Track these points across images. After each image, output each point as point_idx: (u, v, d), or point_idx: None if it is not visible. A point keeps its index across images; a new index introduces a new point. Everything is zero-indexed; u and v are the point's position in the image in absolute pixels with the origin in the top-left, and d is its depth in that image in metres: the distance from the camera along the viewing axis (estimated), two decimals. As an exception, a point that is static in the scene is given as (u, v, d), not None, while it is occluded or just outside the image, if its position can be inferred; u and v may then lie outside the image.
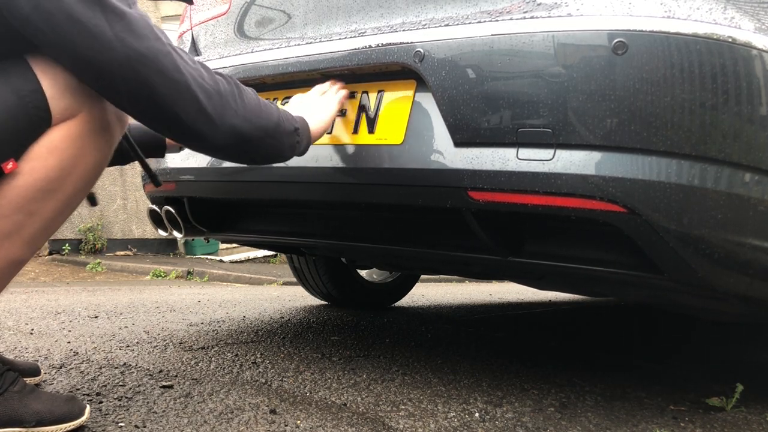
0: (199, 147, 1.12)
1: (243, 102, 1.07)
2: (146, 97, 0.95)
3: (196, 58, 1.19)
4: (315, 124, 1.26)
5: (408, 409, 1.33)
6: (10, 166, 0.92)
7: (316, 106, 1.29)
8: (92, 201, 1.19)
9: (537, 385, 1.58)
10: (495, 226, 1.25)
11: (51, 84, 0.94)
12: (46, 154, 0.95)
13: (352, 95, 1.36)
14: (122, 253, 7.42)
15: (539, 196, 1.10)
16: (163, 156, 1.46)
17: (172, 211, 1.71)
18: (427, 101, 1.23)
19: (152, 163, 1.74)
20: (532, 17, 1.12)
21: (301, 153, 1.25)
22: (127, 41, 0.90)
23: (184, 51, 1.01)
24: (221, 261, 7.52)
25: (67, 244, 6.86)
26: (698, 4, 1.07)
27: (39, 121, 0.93)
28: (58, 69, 0.94)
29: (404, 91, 1.28)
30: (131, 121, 1.08)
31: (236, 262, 7.70)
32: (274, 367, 1.59)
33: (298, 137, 1.19)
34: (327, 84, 1.35)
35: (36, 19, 0.87)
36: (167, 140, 1.40)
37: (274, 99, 1.51)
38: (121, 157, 1.24)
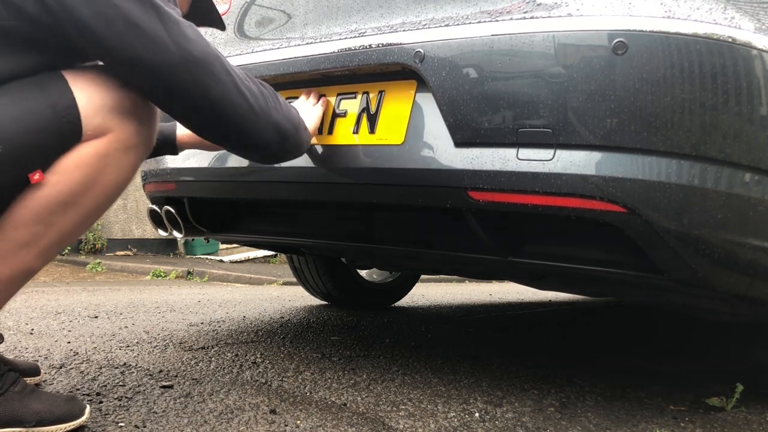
0: (245, 146, 1.16)
1: (278, 101, 1.14)
2: (200, 98, 0.99)
3: None
4: (309, 126, 1.32)
5: (408, 409, 1.33)
6: (36, 177, 0.94)
7: (303, 112, 1.32)
8: None
9: (537, 385, 1.58)
10: (495, 226, 1.25)
11: (86, 102, 0.96)
12: (73, 168, 0.97)
13: (352, 95, 1.36)
14: (122, 253, 7.43)
15: (539, 196, 1.10)
16: (176, 154, 1.46)
17: (172, 211, 1.71)
18: (428, 101, 1.23)
19: (152, 163, 1.74)
20: (532, 17, 1.12)
21: (306, 150, 1.31)
22: (182, 45, 0.95)
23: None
24: (221, 261, 7.52)
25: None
26: (698, 4, 1.07)
27: (70, 136, 0.96)
28: (93, 87, 0.97)
29: (405, 91, 1.27)
30: None
31: (236, 262, 7.70)
32: (274, 367, 1.59)
33: (307, 133, 1.27)
34: (303, 97, 1.41)
35: (95, 24, 0.90)
36: (178, 138, 1.40)
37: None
38: None
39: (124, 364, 1.54)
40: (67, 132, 0.95)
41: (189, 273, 6.11)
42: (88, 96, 0.96)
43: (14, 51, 0.94)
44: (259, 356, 1.70)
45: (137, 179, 1.76)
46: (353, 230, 1.60)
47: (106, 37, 0.91)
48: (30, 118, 0.92)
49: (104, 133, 0.98)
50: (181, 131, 1.40)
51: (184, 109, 1.03)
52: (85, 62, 1.06)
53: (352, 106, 1.35)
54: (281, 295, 3.47)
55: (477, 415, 1.32)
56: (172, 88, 0.97)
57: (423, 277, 4.83)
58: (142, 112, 1.02)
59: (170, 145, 1.42)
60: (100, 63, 1.02)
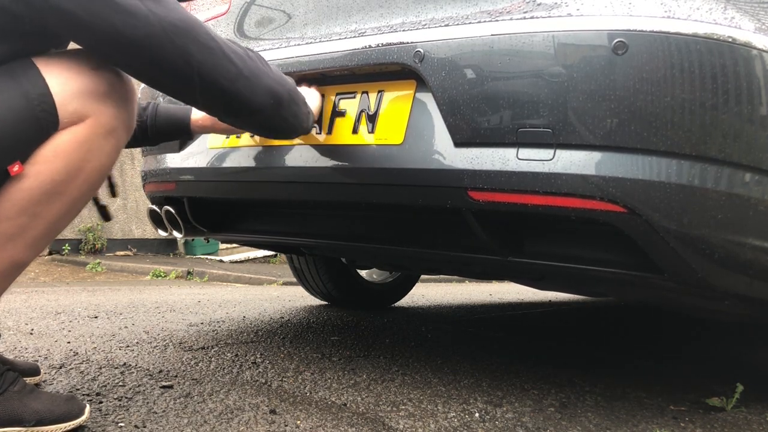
0: (239, 112, 1.12)
1: (267, 65, 1.12)
2: (186, 67, 0.97)
3: None
4: (311, 104, 1.30)
5: (408, 409, 1.33)
6: (16, 168, 0.93)
7: (303, 92, 1.31)
8: (105, 216, 1.19)
9: (537, 385, 1.58)
10: (495, 226, 1.24)
11: (60, 88, 0.94)
12: (53, 157, 0.95)
13: (352, 95, 1.36)
14: (122, 253, 7.42)
15: (539, 196, 1.10)
16: (191, 138, 1.44)
17: (172, 211, 1.71)
18: (427, 101, 1.23)
19: (152, 163, 1.74)
20: (532, 17, 1.12)
21: (309, 129, 1.29)
22: (160, 14, 0.93)
23: None
24: (221, 261, 7.52)
25: (67, 244, 6.86)
26: (698, 4, 1.07)
27: (47, 124, 0.94)
28: (66, 72, 0.95)
29: (404, 91, 1.27)
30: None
31: (236, 262, 7.70)
32: (274, 367, 1.59)
33: (307, 108, 1.24)
34: (304, 86, 1.39)
35: (71, 6, 0.88)
36: (192, 123, 1.39)
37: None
38: (133, 140, 1.24)
39: (124, 364, 1.54)
40: (43, 120, 0.93)
41: (189, 273, 6.11)
42: (62, 82, 0.95)
43: None
44: (259, 356, 1.70)
45: (137, 179, 1.75)
46: (353, 230, 1.60)
47: (81, 17, 0.89)
48: (2, 110, 0.90)
49: (82, 118, 0.96)
50: (195, 115, 1.39)
51: (173, 81, 1.00)
52: (58, 48, 1.04)
53: (351, 106, 1.35)
54: (281, 295, 3.47)
55: (477, 415, 1.32)
56: (157, 61, 0.95)
57: (423, 277, 4.83)
58: (120, 95, 1.00)
59: (185, 130, 1.40)
60: (73, 48, 1.00)
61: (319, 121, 1.38)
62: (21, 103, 0.91)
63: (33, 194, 0.95)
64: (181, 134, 1.41)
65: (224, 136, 1.53)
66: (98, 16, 0.89)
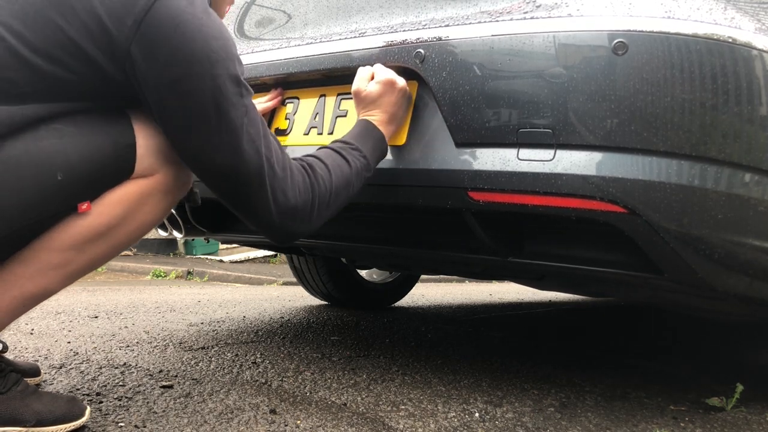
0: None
1: (331, 186, 1.12)
2: (241, 196, 1.05)
3: None
4: (389, 132, 1.24)
5: (408, 409, 1.33)
6: (85, 207, 0.97)
7: (386, 105, 1.23)
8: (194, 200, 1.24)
9: (537, 385, 1.58)
10: (495, 226, 1.25)
11: (144, 143, 1.00)
12: (116, 203, 1.00)
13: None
14: (122, 253, 7.42)
15: (539, 197, 1.10)
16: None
17: (172, 211, 1.71)
18: (428, 102, 1.23)
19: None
20: (532, 18, 1.12)
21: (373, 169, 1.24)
22: (267, 157, 1.01)
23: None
24: (221, 261, 7.52)
25: (66, 244, 6.86)
26: (698, 5, 1.07)
27: (123, 173, 0.99)
28: (151, 129, 1.01)
29: (404, 91, 1.27)
30: None
31: (236, 262, 7.70)
32: (274, 367, 1.59)
33: (368, 167, 1.20)
34: (374, 69, 1.25)
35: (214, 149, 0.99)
36: None
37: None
38: None
39: (124, 364, 1.54)
40: (122, 169, 0.99)
41: (189, 273, 6.11)
42: (146, 137, 1.00)
43: (99, 98, 0.98)
44: (259, 356, 1.70)
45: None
46: (353, 230, 1.60)
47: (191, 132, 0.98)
48: (92, 151, 0.95)
49: (151, 174, 1.02)
50: None
51: (222, 195, 1.08)
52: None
53: (352, 106, 1.35)
54: (281, 295, 3.47)
55: (477, 415, 1.32)
56: (217, 181, 1.04)
57: (423, 277, 4.83)
58: None
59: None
60: None
61: (321, 121, 1.38)
62: (109, 149, 0.96)
63: (89, 232, 0.99)
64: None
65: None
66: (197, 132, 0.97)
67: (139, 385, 1.35)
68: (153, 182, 1.02)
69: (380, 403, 1.36)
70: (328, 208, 1.12)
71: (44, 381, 1.35)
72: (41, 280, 0.99)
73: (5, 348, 1.25)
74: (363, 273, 2.75)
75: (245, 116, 0.98)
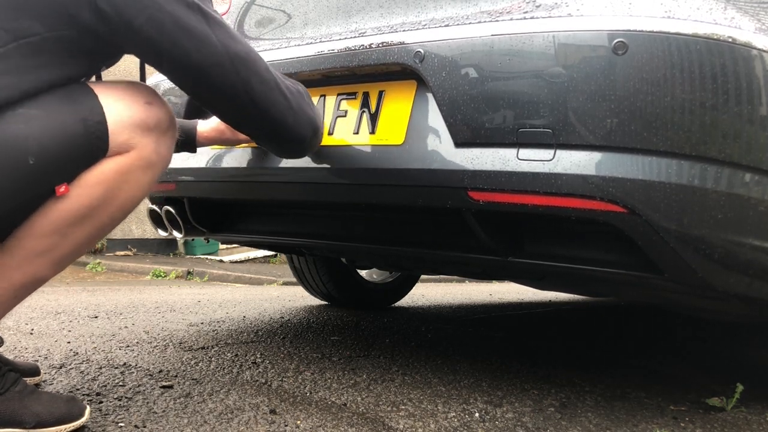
0: (281, 141, 1.20)
1: (310, 98, 1.20)
2: (244, 94, 1.04)
3: None
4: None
5: (408, 409, 1.33)
6: (62, 189, 0.96)
7: None
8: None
9: (537, 385, 1.58)
10: (495, 226, 1.24)
11: (114, 118, 0.98)
12: (95, 183, 0.98)
13: (353, 96, 1.36)
14: (122, 253, 7.42)
15: (539, 197, 1.10)
16: (195, 151, 1.46)
17: (172, 211, 1.71)
18: (428, 101, 1.23)
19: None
20: (532, 17, 1.12)
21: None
22: (229, 45, 1.00)
23: None
24: (221, 261, 7.52)
25: (67, 244, 6.85)
26: (698, 4, 1.07)
27: (97, 151, 0.98)
28: (121, 103, 0.99)
29: (405, 91, 1.27)
30: None
31: (236, 262, 7.70)
32: (274, 367, 1.59)
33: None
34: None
35: (149, 29, 0.94)
36: (198, 135, 1.42)
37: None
38: None
39: (124, 364, 1.54)
40: (96, 147, 0.97)
41: (189, 273, 6.11)
42: (117, 112, 0.98)
43: (57, 62, 0.96)
44: (259, 356, 1.70)
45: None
46: (353, 230, 1.60)
47: (159, 42, 0.95)
48: (61, 132, 0.93)
49: (127, 149, 1.00)
50: (202, 128, 1.41)
51: (229, 107, 1.07)
52: (109, 67, 1.11)
53: (352, 106, 1.35)
54: (281, 295, 3.47)
55: (477, 415, 1.32)
56: (220, 87, 1.02)
57: (423, 277, 4.83)
58: (163, 130, 1.04)
59: (191, 143, 1.42)
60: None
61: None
62: (79, 128, 0.95)
63: (69, 215, 0.98)
64: (188, 147, 1.43)
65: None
66: (173, 41, 0.96)
67: (139, 385, 1.35)
68: (131, 158, 1.00)
69: (380, 403, 1.36)
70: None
71: (44, 381, 1.35)
72: (28, 269, 0.98)
73: (1, 342, 1.25)
74: (363, 273, 2.75)
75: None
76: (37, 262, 0.99)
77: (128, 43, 0.99)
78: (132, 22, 0.93)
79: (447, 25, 1.21)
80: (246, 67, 1.02)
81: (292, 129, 1.14)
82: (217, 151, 1.55)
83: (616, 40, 1.04)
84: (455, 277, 5.65)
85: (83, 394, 1.26)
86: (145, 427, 1.11)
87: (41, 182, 0.94)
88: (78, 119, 0.95)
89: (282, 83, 1.10)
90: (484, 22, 1.17)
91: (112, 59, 1.09)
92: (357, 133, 1.32)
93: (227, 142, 1.45)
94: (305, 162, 1.36)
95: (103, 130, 0.97)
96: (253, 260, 8.01)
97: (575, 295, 3.80)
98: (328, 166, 1.35)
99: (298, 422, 1.19)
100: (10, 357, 1.43)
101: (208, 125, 1.41)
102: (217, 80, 1.01)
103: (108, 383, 1.36)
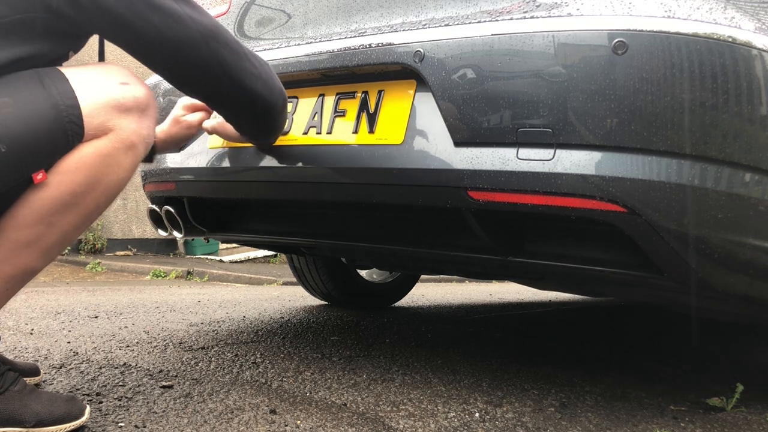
0: (258, 114, 1.20)
1: (269, 65, 1.20)
2: (218, 67, 1.05)
3: None
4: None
5: (408, 409, 1.33)
6: (40, 176, 0.94)
7: None
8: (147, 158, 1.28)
9: (537, 385, 1.58)
10: (495, 225, 1.24)
11: (88, 101, 0.96)
12: (75, 169, 0.97)
13: (352, 95, 1.36)
14: (122, 253, 7.42)
15: (539, 196, 1.10)
16: (151, 161, 1.46)
17: (172, 211, 1.71)
18: (427, 101, 1.23)
19: (152, 163, 1.74)
20: (532, 17, 1.12)
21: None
22: (197, 19, 1.02)
23: None
24: (221, 261, 7.52)
25: (67, 244, 6.86)
26: (698, 4, 1.07)
27: (73, 136, 0.96)
28: (94, 85, 0.98)
29: (404, 91, 1.27)
30: None
31: (236, 262, 7.70)
32: (274, 367, 1.59)
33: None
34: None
35: (120, 8, 0.95)
36: (156, 142, 1.39)
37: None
38: None
39: (124, 364, 1.54)
40: (70, 132, 0.95)
41: (189, 273, 6.11)
42: (90, 95, 0.97)
43: (25, 41, 0.95)
44: (259, 356, 1.70)
45: (137, 179, 1.75)
46: (353, 230, 1.60)
47: (131, 20, 0.96)
48: (33, 118, 0.92)
49: (105, 132, 0.98)
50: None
51: (203, 81, 1.08)
52: (77, 51, 1.08)
53: (351, 105, 1.35)
54: (281, 295, 3.47)
55: (477, 415, 1.32)
56: (193, 62, 1.03)
57: (423, 277, 4.83)
58: (141, 110, 1.02)
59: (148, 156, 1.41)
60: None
61: (320, 121, 1.38)
62: (50, 113, 0.93)
63: (52, 204, 0.96)
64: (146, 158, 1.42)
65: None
66: (142, 17, 0.96)
67: (139, 385, 1.35)
68: (110, 141, 0.99)
69: (380, 403, 1.36)
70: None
71: (44, 381, 1.35)
72: (17, 261, 0.97)
73: None
74: (363, 273, 2.75)
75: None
76: (25, 254, 0.97)
77: (99, 24, 0.98)
78: (103, 1, 0.94)
79: (447, 25, 1.21)
80: (215, 39, 1.03)
81: (266, 98, 1.15)
82: (218, 151, 1.55)
83: (616, 40, 1.03)
84: (455, 277, 5.65)
85: (83, 394, 1.26)
86: (145, 427, 1.11)
87: (16, 170, 0.92)
88: (49, 104, 0.93)
89: (249, 52, 1.11)
90: (484, 21, 1.16)
91: (79, 41, 1.06)
92: (356, 132, 1.32)
93: (180, 141, 1.42)
94: (305, 162, 1.36)
95: (77, 114, 0.95)
96: (253, 260, 8.02)
97: (575, 295, 3.80)
98: (328, 165, 1.34)
99: (298, 422, 1.19)
100: (10, 357, 1.43)
101: (159, 129, 1.38)
102: (191, 54, 1.02)
103: (108, 383, 1.36)
